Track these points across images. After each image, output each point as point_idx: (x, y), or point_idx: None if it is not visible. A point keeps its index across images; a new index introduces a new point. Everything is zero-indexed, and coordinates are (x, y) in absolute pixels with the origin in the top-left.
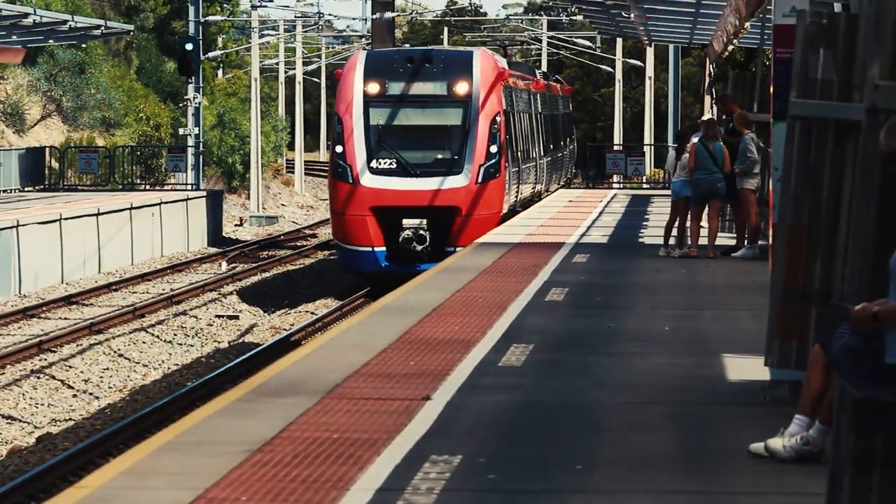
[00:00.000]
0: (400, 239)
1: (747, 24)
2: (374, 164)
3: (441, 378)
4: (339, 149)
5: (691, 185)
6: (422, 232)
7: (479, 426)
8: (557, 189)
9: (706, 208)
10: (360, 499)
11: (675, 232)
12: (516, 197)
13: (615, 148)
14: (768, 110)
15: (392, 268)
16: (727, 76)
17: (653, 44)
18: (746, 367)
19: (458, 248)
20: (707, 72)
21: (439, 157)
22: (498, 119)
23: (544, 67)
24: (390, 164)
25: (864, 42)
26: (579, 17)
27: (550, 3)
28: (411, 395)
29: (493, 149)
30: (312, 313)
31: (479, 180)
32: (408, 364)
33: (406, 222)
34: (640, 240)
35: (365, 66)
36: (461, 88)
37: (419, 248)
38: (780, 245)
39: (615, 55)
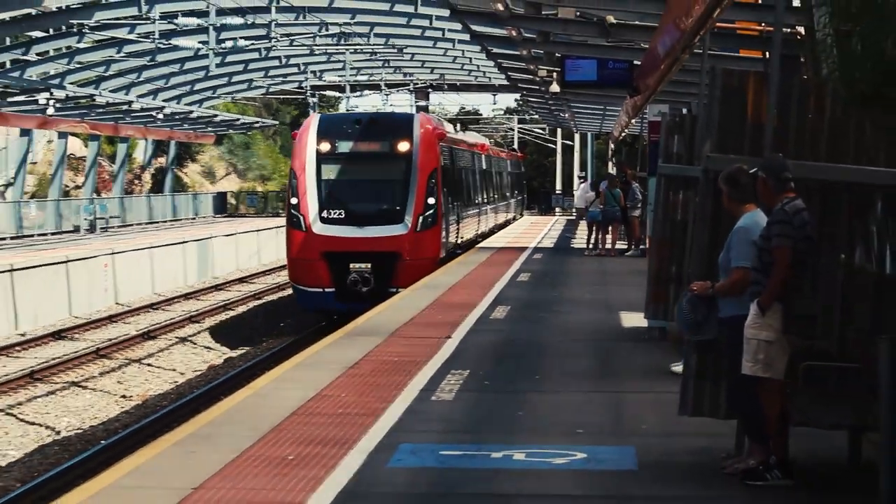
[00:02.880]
0: (347, 281)
1: (633, 120)
2: (324, 213)
3: (456, 325)
4: (293, 200)
5: (601, 214)
6: (367, 275)
7: (479, 353)
8: (506, 225)
9: (610, 227)
10: (411, 395)
11: (591, 241)
12: (456, 240)
13: (556, 192)
14: (646, 170)
15: (340, 306)
16: (622, 150)
17: (578, 131)
18: (634, 319)
19: (399, 290)
20: (610, 148)
21: (382, 207)
22: (435, 173)
23: (515, 145)
24: (339, 214)
25: (700, 131)
26: (536, 116)
27: (519, 108)
28: (439, 335)
29: (431, 200)
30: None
31: (418, 228)
32: (437, 317)
33: (353, 266)
34: (572, 245)
35: (318, 127)
36: (402, 147)
37: (364, 289)
38: (653, 249)
39: (556, 137)
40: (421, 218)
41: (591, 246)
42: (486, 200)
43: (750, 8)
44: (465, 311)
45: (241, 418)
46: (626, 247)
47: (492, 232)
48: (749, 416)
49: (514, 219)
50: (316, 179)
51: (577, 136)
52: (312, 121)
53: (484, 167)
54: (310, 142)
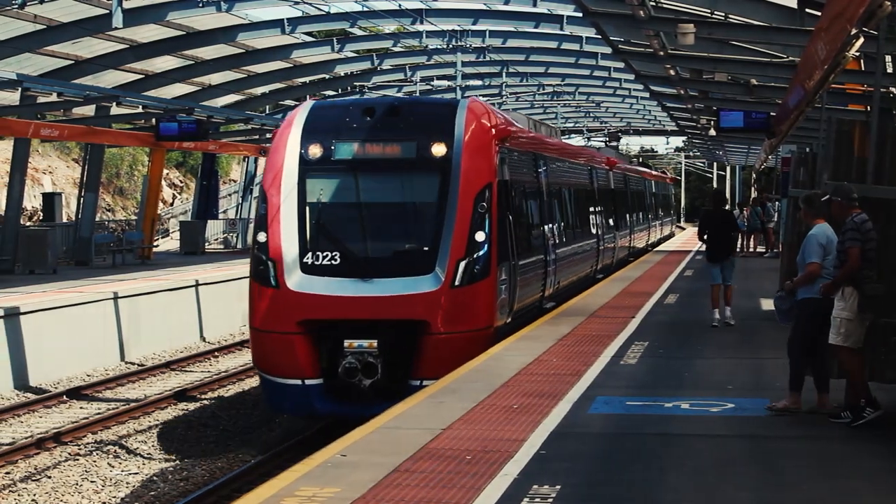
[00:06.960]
0: (340, 368)
1: (770, 156)
2: (307, 258)
3: (638, 308)
4: (261, 237)
5: (746, 226)
6: (371, 359)
7: (655, 329)
8: (654, 245)
9: (752, 235)
10: (605, 360)
11: (738, 245)
12: (542, 292)
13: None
14: (780, 193)
15: (330, 408)
16: (762, 178)
17: (729, 164)
18: (770, 303)
19: (424, 383)
20: (752, 176)
21: (399, 249)
22: (488, 193)
23: (683, 175)
24: (330, 259)
25: (819, 164)
26: (698, 153)
27: (685, 147)
28: (625, 316)
29: (479, 236)
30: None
31: (457, 282)
32: (625, 302)
33: (349, 344)
34: None
35: (306, 120)
36: (436, 151)
37: (367, 382)
38: (784, 251)
39: (713, 169)
40: (462, 265)
41: (738, 249)
42: (609, 227)
43: (856, 73)
44: (645, 297)
45: (479, 377)
46: (764, 250)
47: (626, 261)
48: (792, 368)
49: (672, 234)
50: (297, 204)
51: (728, 168)
52: (299, 111)
53: (611, 185)
54: (290, 144)
